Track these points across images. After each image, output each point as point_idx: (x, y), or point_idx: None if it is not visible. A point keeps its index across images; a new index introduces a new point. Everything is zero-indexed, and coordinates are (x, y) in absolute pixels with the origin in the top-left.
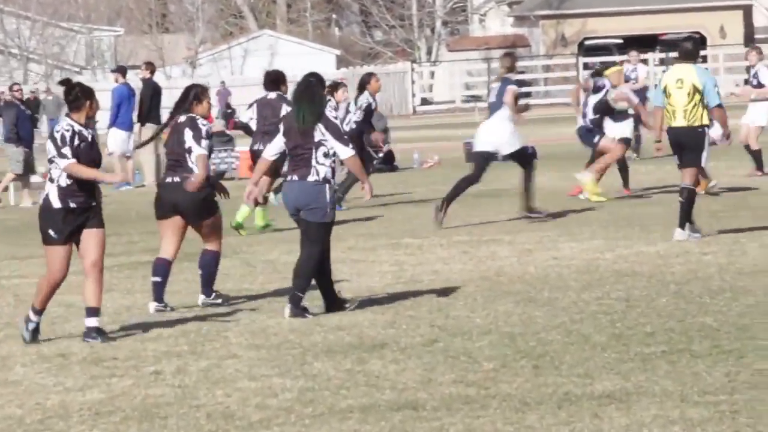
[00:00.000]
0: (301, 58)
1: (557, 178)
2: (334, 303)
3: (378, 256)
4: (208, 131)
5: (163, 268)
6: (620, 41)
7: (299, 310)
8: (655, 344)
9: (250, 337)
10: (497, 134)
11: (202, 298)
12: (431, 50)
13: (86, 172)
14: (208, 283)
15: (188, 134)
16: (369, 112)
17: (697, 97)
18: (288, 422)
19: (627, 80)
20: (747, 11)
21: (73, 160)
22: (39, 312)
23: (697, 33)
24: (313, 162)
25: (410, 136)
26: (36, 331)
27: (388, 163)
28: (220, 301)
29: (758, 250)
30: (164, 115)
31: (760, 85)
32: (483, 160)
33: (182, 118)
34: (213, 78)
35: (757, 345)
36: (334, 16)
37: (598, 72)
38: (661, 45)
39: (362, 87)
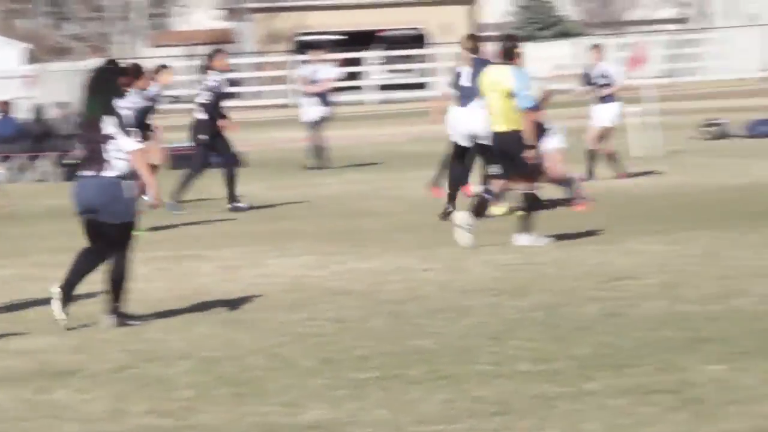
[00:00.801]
0: None
1: (266, 188)
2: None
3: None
4: None
5: None
6: (344, 37)
7: (121, 319)
8: (368, 369)
9: None
10: (477, 121)
11: None
12: (130, 45)
13: None
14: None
15: None
16: (220, 93)
17: (512, 99)
18: None
19: (313, 82)
20: (471, 8)
21: None
22: None
23: (420, 31)
24: (107, 156)
25: None
26: None
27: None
28: None
29: (480, 266)
30: None
31: (606, 84)
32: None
33: None
34: None
35: (477, 370)
36: (21, 6)
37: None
38: (381, 42)
39: (207, 67)
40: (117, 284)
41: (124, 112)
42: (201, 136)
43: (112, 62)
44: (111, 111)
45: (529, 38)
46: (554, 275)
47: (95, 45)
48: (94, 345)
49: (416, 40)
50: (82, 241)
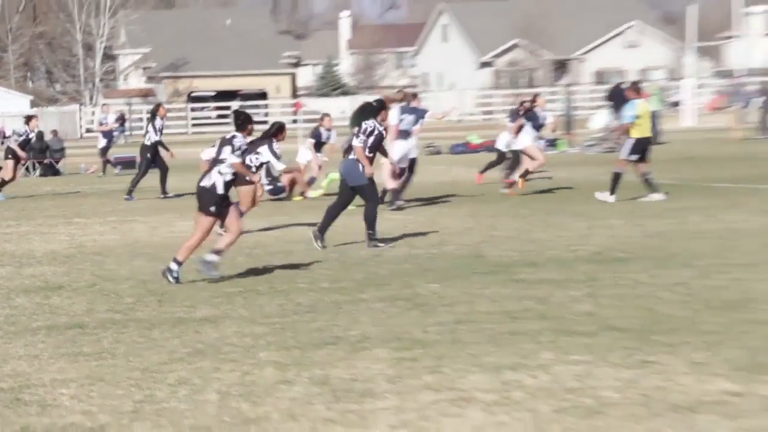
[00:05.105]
0: (6, 101)
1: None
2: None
3: (58, 229)
4: None
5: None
6: (214, 93)
7: (374, 242)
8: (234, 286)
9: None
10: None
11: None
12: (92, 97)
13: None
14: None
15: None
16: (159, 131)
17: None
18: None
19: (101, 124)
20: (293, 76)
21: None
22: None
23: (263, 90)
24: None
25: (78, 152)
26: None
27: (53, 170)
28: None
29: (304, 228)
30: None
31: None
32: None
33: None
34: None
35: (298, 286)
36: (28, 73)
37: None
38: (239, 97)
39: (153, 114)
40: (370, 221)
41: (368, 128)
42: (148, 154)
43: (378, 101)
44: (359, 125)
45: (325, 95)
46: (343, 233)
47: (72, 96)
48: (75, 271)
49: (261, 95)
50: (65, 211)
